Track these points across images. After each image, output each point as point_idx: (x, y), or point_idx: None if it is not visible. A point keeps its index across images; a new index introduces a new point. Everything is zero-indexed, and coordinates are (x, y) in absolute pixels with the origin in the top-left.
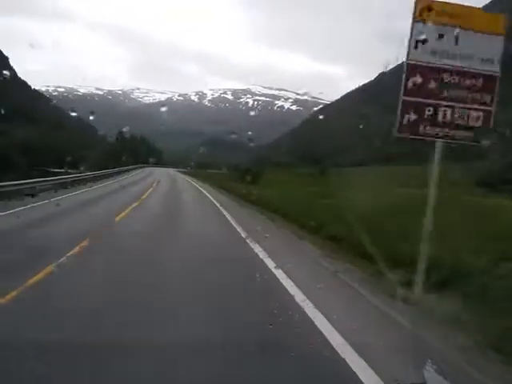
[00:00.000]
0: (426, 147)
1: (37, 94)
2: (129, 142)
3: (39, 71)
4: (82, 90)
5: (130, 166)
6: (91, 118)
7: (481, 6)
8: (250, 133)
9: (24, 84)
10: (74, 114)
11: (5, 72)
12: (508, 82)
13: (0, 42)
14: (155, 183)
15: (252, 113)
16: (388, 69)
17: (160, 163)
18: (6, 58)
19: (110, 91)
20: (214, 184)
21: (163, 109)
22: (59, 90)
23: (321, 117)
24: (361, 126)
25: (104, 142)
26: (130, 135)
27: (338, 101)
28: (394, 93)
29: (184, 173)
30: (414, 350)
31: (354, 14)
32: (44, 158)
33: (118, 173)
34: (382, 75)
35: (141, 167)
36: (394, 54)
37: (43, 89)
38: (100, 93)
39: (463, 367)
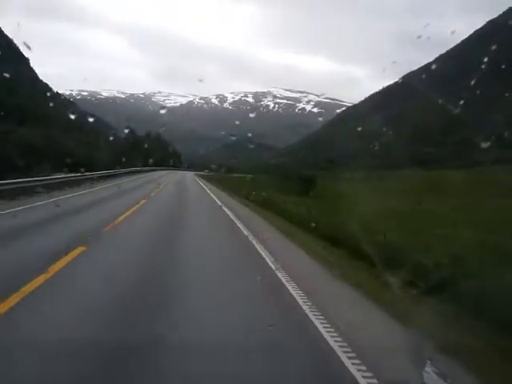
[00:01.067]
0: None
1: (58, 97)
2: (139, 142)
3: (62, 75)
4: (105, 94)
5: (128, 169)
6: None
7: (472, 30)
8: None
9: (46, 87)
10: (91, 119)
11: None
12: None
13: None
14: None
15: (273, 116)
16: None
17: (179, 166)
18: (27, 60)
19: (132, 95)
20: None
21: (184, 112)
22: (83, 93)
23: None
24: (384, 129)
25: (117, 143)
26: (144, 134)
27: (362, 102)
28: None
29: (202, 177)
30: None
31: (376, 15)
32: (48, 160)
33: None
34: (406, 77)
35: (151, 170)
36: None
37: (67, 92)
38: (122, 96)
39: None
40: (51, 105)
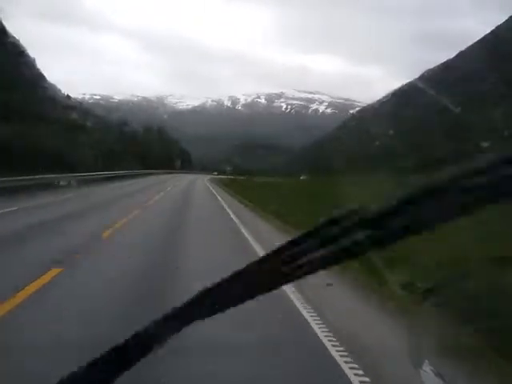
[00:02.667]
0: None
1: (65, 100)
2: (134, 142)
3: (75, 80)
4: (118, 97)
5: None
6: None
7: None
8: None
9: (53, 88)
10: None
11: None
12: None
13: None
14: None
15: (285, 117)
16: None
17: (188, 167)
18: (33, 60)
19: (144, 98)
20: None
21: (197, 114)
22: (95, 97)
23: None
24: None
25: (109, 140)
26: (143, 130)
27: (376, 103)
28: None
29: (219, 183)
30: None
31: (389, 14)
32: (24, 159)
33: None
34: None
35: (148, 174)
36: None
37: (79, 97)
38: (135, 99)
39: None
40: (49, 105)
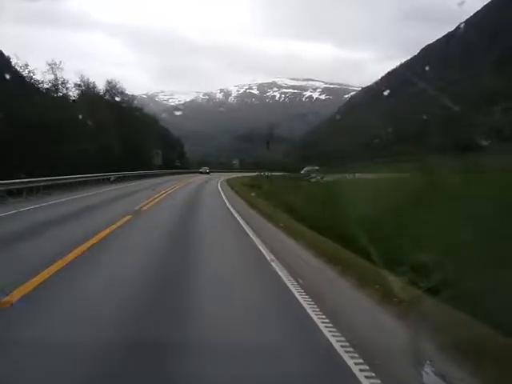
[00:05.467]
0: None
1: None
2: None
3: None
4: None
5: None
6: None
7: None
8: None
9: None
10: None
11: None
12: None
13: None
14: None
15: (280, 106)
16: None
17: (180, 166)
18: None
19: (134, 96)
20: None
21: (188, 110)
22: None
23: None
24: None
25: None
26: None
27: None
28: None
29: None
30: None
31: None
32: None
33: None
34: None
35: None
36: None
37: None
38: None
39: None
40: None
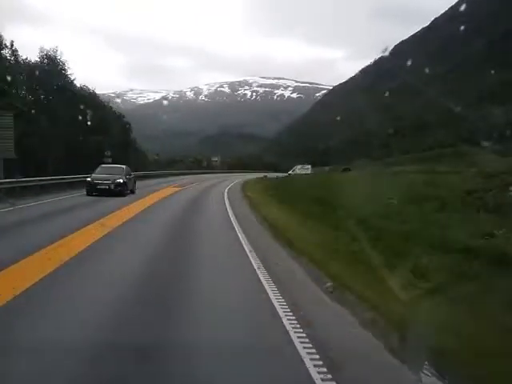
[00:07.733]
0: None
1: None
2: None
3: None
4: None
5: None
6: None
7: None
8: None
9: None
10: None
11: None
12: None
13: None
14: None
15: (251, 104)
16: (387, 52)
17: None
18: None
19: (103, 94)
20: None
21: (158, 108)
22: None
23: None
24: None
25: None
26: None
27: (341, 85)
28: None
29: None
30: None
31: None
32: None
33: None
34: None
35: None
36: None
37: None
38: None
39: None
40: None
